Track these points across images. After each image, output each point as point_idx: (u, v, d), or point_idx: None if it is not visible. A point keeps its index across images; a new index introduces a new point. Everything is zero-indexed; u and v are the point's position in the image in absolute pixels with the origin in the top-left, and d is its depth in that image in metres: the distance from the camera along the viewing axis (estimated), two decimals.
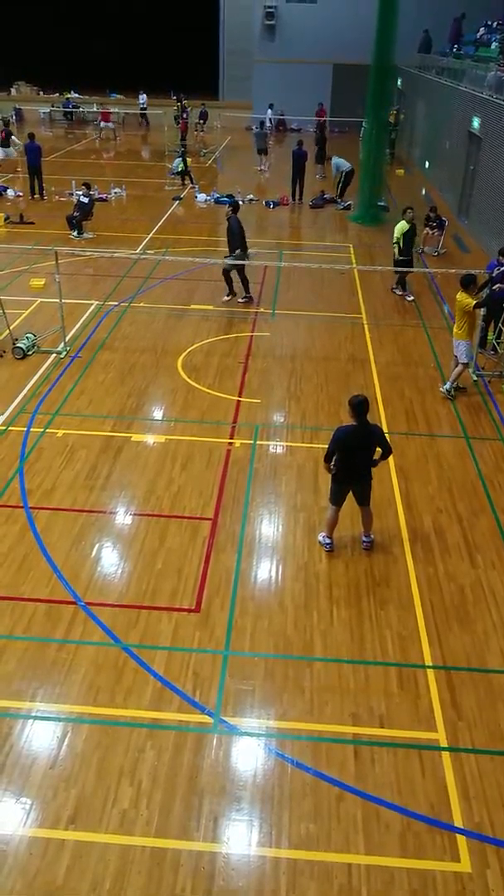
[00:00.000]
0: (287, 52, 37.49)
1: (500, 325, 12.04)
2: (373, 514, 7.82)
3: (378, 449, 7.44)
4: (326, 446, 7.40)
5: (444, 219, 17.95)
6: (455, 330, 10.82)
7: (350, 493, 7.63)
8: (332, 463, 7.44)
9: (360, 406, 7.14)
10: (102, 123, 34.96)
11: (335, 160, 22.68)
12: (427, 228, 17.78)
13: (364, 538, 7.86)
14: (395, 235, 14.46)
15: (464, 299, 10.54)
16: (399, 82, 32.62)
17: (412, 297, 14.86)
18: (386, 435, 7.61)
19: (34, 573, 7.35)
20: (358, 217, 20.88)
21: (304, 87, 36.79)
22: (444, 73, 26.18)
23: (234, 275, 14.26)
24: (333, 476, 7.54)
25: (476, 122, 19.34)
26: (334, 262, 14.77)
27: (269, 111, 34.75)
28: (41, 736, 5.73)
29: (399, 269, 14.46)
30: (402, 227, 14.34)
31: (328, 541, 7.85)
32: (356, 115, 28.26)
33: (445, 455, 9.55)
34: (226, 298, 14.40)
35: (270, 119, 34.96)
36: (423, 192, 23.92)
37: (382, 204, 21.72)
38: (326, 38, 36.33)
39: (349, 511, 7.86)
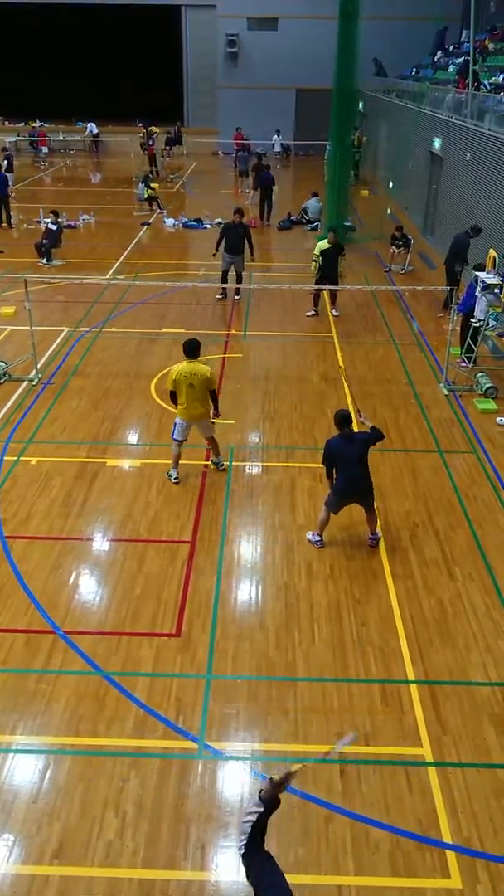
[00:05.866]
0: (250, 78, 38.06)
1: (468, 339, 12.22)
2: (377, 515, 8.07)
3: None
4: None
5: (409, 237, 18.23)
6: (200, 406, 8.88)
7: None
8: (333, 478, 7.74)
9: (342, 421, 7.61)
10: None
11: (312, 202, 22.82)
12: (393, 247, 18.06)
13: (370, 536, 8.11)
14: (315, 253, 14.68)
15: (207, 373, 8.79)
16: (361, 105, 33.26)
17: (311, 313, 14.96)
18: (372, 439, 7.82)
19: (11, 603, 7.25)
20: (325, 237, 21.12)
21: (269, 112, 37.32)
22: (404, 95, 26.75)
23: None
24: (334, 488, 7.80)
25: (437, 143, 19.73)
26: (304, 283, 14.90)
27: (276, 137, 34.87)
28: (23, 769, 5.62)
29: (318, 286, 14.52)
30: (321, 245, 14.56)
31: (318, 538, 8.05)
32: (320, 139, 28.73)
33: (420, 470, 9.62)
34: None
35: (282, 144, 35.29)
36: (389, 211, 24.28)
37: (349, 224, 22.01)
38: (288, 64, 36.99)
39: (334, 519, 7.89)
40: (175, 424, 9.02)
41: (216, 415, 9.12)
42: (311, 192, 23.22)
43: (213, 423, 9.23)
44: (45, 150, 36.34)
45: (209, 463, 9.60)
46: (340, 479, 7.71)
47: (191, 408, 8.79)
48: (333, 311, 15.03)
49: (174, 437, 9.05)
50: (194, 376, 8.66)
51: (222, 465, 9.47)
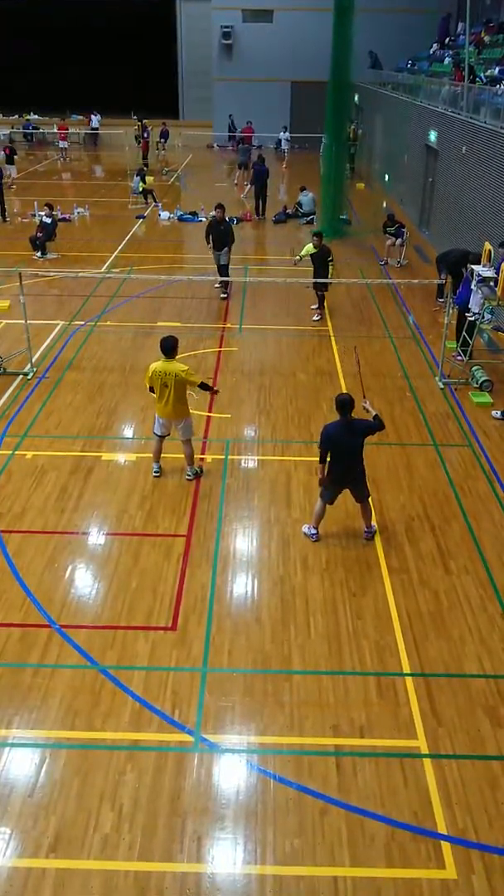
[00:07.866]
0: (245, 70, 37.92)
1: (463, 332, 12.22)
2: (371, 508, 8.05)
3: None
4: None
5: (401, 224, 18.07)
6: (175, 406, 8.68)
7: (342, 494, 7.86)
8: (326, 466, 7.61)
9: (344, 404, 7.49)
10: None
11: (304, 196, 22.80)
12: (387, 234, 17.99)
13: (366, 530, 8.10)
14: (301, 253, 14.58)
15: (181, 372, 8.55)
16: (356, 98, 33.17)
17: (318, 318, 14.65)
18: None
19: (7, 597, 7.24)
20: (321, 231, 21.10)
21: (264, 105, 37.20)
22: (399, 88, 26.67)
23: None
24: (328, 476, 7.72)
25: (433, 136, 19.69)
26: (299, 276, 14.88)
27: (283, 133, 34.65)
28: (19, 764, 5.63)
29: (317, 282, 14.32)
30: (308, 248, 14.39)
31: (314, 531, 8.04)
32: (316, 132, 28.67)
33: (416, 464, 9.63)
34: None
35: (288, 140, 35.12)
36: (385, 205, 24.24)
37: (344, 218, 21.99)
38: (284, 57, 36.86)
39: (330, 512, 7.89)
40: (155, 419, 9.00)
41: (214, 391, 9.47)
42: (299, 188, 23.23)
43: (194, 408, 9.14)
44: (64, 144, 35.30)
45: (203, 457, 9.60)
46: (335, 466, 7.61)
47: (165, 406, 8.69)
48: (314, 317, 14.62)
49: (153, 431, 9.06)
50: (168, 376, 8.53)
51: (190, 475, 9.13)
